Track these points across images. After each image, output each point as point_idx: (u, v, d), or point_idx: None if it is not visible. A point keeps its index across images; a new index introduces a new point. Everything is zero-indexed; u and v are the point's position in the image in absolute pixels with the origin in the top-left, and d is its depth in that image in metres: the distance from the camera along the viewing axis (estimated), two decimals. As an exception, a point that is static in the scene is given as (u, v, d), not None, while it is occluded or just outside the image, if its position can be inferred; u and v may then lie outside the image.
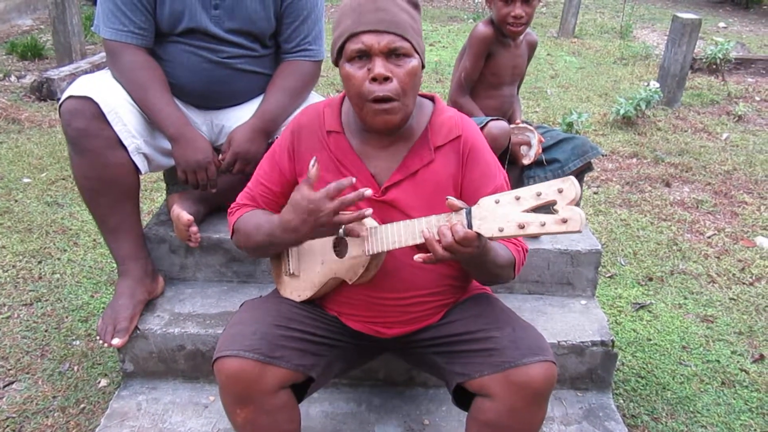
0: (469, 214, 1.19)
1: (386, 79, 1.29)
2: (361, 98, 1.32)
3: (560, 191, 1.08)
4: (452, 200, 1.20)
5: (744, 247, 3.06)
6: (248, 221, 1.48)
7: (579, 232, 1.07)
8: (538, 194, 1.10)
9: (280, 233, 1.35)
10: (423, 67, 1.37)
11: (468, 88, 2.20)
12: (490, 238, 1.18)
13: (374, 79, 1.29)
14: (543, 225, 1.09)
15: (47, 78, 4.60)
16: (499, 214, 1.14)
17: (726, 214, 3.41)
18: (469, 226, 1.18)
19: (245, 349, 1.35)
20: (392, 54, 1.30)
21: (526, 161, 2.16)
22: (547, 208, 1.10)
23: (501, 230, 1.14)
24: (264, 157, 1.55)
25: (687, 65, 4.95)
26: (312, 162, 1.30)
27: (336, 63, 1.38)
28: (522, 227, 1.11)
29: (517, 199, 1.12)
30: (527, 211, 1.11)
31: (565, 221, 1.07)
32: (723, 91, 5.45)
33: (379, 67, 1.29)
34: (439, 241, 1.20)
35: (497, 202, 1.15)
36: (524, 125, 2.21)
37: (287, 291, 1.55)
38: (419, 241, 1.26)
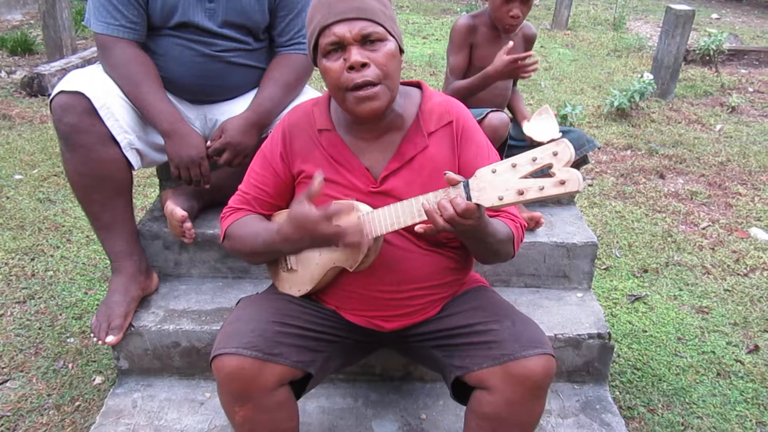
0: (467, 186, 1.19)
1: (363, 65, 1.28)
2: (341, 89, 1.31)
3: (555, 154, 1.09)
4: (450, 174, 1.20)
5: (738, 238, 3.07)
6: (243, 227, 1.47)
7: (578, 192, 1.08)
8: (534, 159, 1.11)
9: (280, 244, 1.35)
10: (402, 52, 1.36)
11: (459, 79, 2.19)
12: (491, 208, 1.18)
13: (351, 68, 1.28)
14: (542, 189, 1.10)
15: (38, 73, 4.56)
16: (498, 183, 1.15)
17: (720, 205, 3.41)
18: (468, 198, 1.19)
19: (243, 346, 1.34)
20: (366, 40, 1.29)
21: (537, 137, 2.15)
22: (543, 172, 1.11)
23: (501, 198, 1.15)
24: (254, 160, 1.54)
25: (680, 57, 4.95)
26: (316, 177, 1.27)
27: (315, 62, 1.37)
28: (521, 193, 1.12)
29: (514, 166, 1.13)
30: (524, 177, 1.12)
31: (563, 183, 1.08)
32: (716, 83, 5.46)
33: (355, 54, 1.28)
34: (441, 215, 1.20)
35: (494, 171, 1.15)
36: (540, 111, 2.24)
37: (286, 287, 1.54)
38: (418, 219, 1.26)
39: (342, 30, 1.28)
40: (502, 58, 2.02)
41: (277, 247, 1.37)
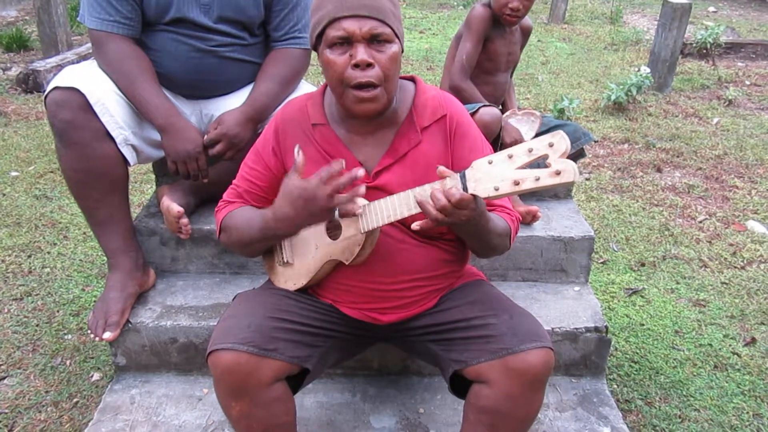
0: (463, 177, 1.19)
1: (368, 65, 1.28)
2: (342, 84, 1.31)
3: (551, 145, 1.10)
4: (442, 168, 1.21)
5: (735, 231, 3.08)
6: (237, 218, 1.47)
7: (573, 183, 1.09)
8: (530, 150, 1.12)
9: (275, 225, 1.34)
10: (402, 52, 1.36)
11: (470, 71, 2.19)
12: (487, 198, 1.18)
13: (356, 66, 1.28)
14: (538, 179, 1.10)
15: (33, 70, 4.55)
16: (494, 174, 1.15)
17: (717, 198, 3.42)
18: (465, 189, 1.19)
19: (239, 342, 1.34)
20: (374, 40, 1.29)
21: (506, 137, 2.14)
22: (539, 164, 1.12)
23: (497, 189, 1.15)
24: (248, 154, 1.54)
25: (677, 50, 4.94)
26: (296, 150, 1.29)
27: (315, 48, 1.37)
28: (517, 183, 1.12)
29: (510, 157, 1.13)
30: (520, 168, 1.13)
31: (558, 173, 1.09)
32: (713, 76, 5.45)
33: (362, 53, 1.28)
34: (434, 206, 1.20)
35: (490, 162, 1.16)
36: (530, 111, 2.21)
37: (281, 281, 1.54)
38: (414, 211, 1.26)
39: (352, 26, 1.27)
40: (513, 134, 2.07)
41: (272, 229, 1.36)
